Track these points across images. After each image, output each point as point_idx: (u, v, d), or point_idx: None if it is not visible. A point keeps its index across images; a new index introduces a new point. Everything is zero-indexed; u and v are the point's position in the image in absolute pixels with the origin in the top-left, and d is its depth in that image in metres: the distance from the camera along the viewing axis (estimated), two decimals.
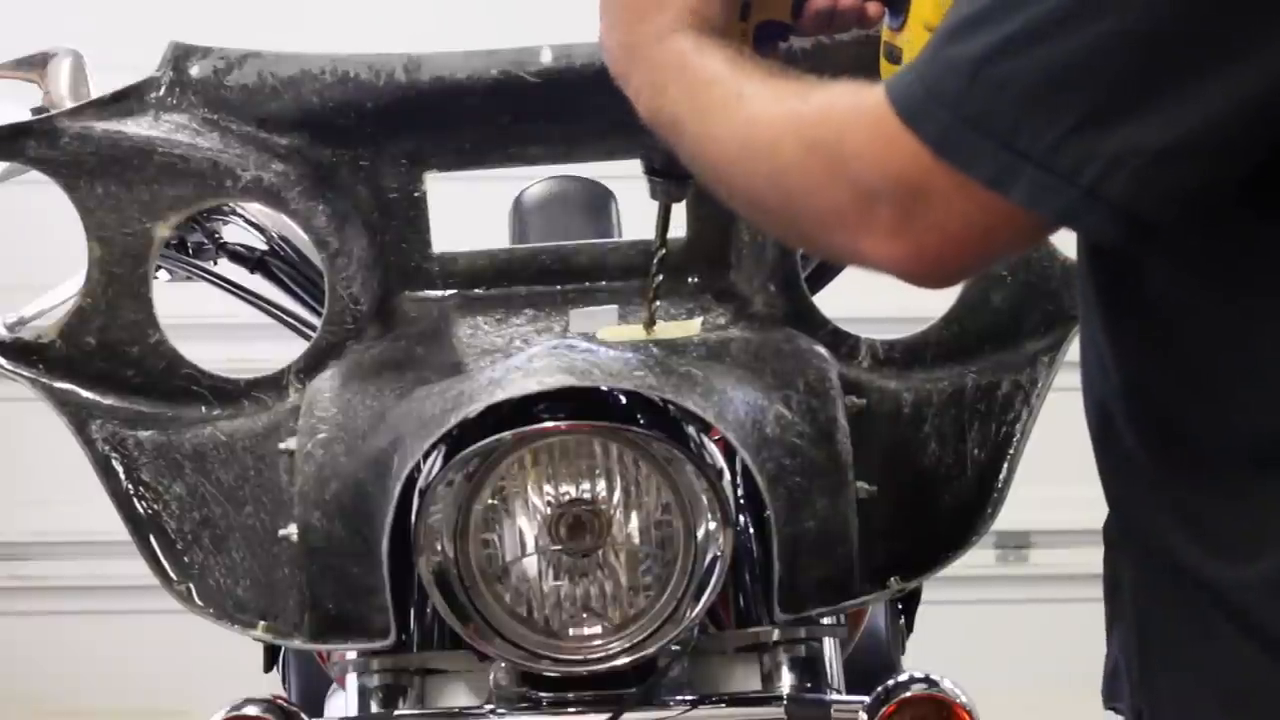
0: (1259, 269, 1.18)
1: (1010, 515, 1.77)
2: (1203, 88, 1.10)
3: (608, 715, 1.64)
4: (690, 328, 1.77)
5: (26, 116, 1.77)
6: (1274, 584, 1.20)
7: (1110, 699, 1.39)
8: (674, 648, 1.66)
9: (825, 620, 1.71)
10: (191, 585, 1.71)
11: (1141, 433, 1.29)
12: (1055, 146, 1.12)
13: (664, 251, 1.72)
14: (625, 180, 2.03)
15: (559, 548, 1.63)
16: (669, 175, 1.65)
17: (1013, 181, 1.13)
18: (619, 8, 1.43)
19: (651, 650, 1.63)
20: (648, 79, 1.39)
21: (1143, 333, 1.27)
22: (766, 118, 1.26)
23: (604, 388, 1.61)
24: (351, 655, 1.71)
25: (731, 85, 1.31)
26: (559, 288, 1.87)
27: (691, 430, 1.65)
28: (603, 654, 1.64)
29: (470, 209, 2.21)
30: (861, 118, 1.19)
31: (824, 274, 1.95)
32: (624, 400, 1.62)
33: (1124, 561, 1.35)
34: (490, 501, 1.62)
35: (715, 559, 1.61)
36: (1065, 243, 1.81)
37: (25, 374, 1.75)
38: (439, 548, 1.61)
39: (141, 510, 1.72)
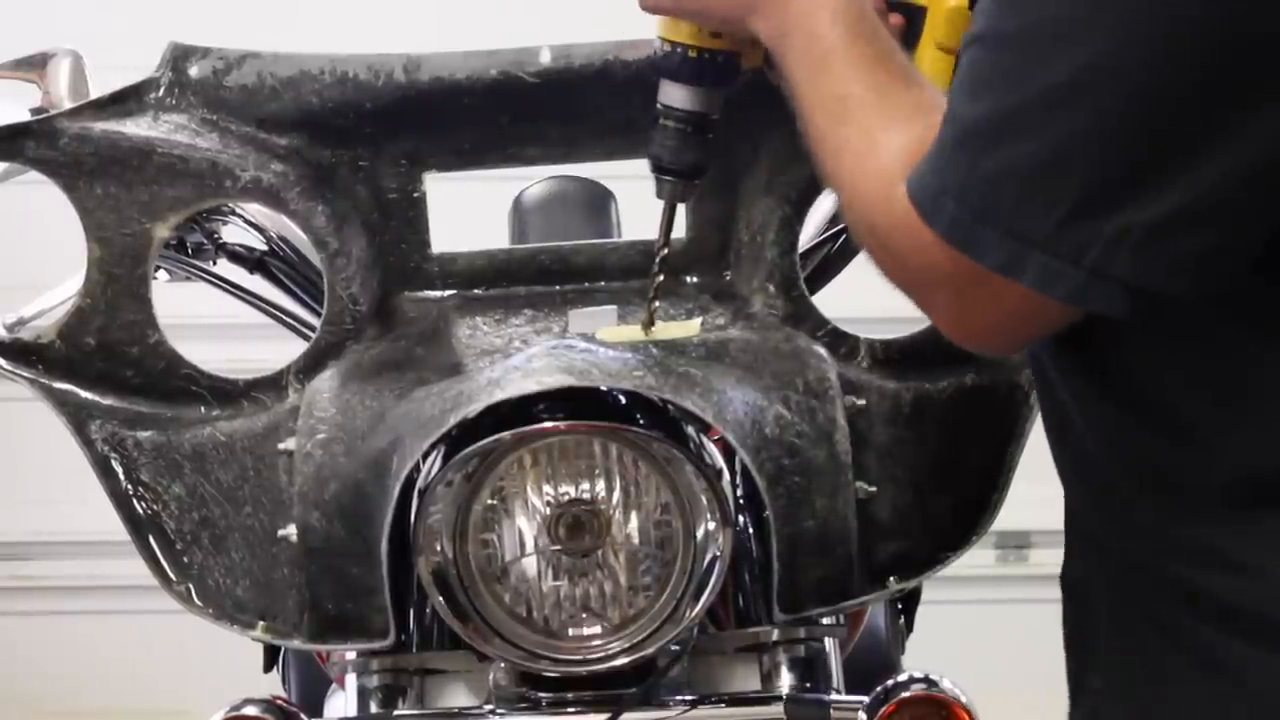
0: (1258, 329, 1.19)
1: (1010, 515, 1.77)
2: (1194, 162, 1.11)
3: (607, 715, 1.64)
4: (690, 328, 1.76)
5: (26, 117, 1.77)
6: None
7: None
8: (673, 648, 1.66)
9: (825, 620, 1.71)
10: (191, 585, 1.71)
11: (1123, 472, 1.32)
12: (1056, 231, 1.14)
13: (666, 251, 1.71)
14: (625, 180, 2.03)
15: (558, 548, 1.63)
16: (677, 174, 1.64)
17: (1021, 268, 1.16)
18: None
19: (651, 650, 1.63)
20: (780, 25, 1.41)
21: (1117, 381, 1.28)
22: (855, 157, 1.29)
23: (603, 388, 1.61)
24: (351, 655, 1.71)
25: (840, 82, 1.33)
26: (558, 288, 1.87)
27: (691, 430, 1.65)
28: (602, 654, 1.63)
29: (470, 209, 2.21)
30: (902, 213, 1.22)
31: (823, 274, 1.95)
32: (623, 400, 1.62)
33: (1092, 606, 1.35)
34: (489, 501, 1.62)
35: (714, 559, 1.61)
36: None
37: (25, 374, 1.75)
38: (438, 548, 1.61)
39: (141, 510, 1.72)
